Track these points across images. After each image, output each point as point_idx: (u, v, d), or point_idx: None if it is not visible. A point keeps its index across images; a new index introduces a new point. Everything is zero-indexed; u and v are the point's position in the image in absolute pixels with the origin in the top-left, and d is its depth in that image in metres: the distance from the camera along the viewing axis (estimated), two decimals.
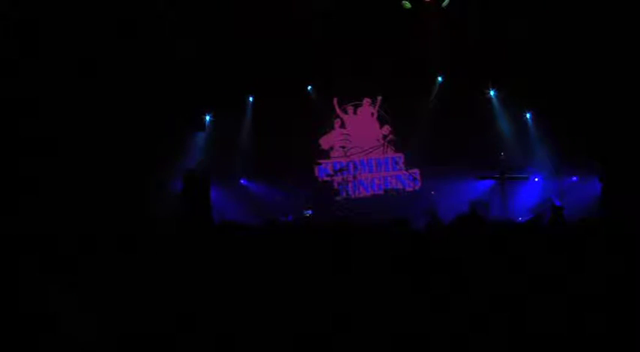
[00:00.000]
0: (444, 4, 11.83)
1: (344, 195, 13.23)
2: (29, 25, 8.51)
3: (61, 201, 8.22)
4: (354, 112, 13.74)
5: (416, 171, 13.20)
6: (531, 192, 11.95)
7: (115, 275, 3.65)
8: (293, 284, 3.61)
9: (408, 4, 11.97)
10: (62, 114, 9.02)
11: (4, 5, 8.41)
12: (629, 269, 3.46)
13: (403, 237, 4.46)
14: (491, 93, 12.75)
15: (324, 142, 13.70)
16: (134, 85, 10.22)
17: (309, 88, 13.57)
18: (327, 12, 11.82)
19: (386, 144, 13.55)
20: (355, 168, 13.34)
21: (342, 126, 13.70)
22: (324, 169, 13.52)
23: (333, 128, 13.69)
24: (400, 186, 13.34)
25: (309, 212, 11.86)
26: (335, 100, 13.64)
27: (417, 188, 13.08)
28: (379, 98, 13.56)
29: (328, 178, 13.32)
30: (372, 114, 13.66)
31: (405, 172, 13.27)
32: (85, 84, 9.39)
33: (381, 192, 13.42)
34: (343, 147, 13.52)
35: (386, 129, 13.58)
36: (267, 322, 3.44)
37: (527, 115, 12.57)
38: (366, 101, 13.67)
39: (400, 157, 13.47)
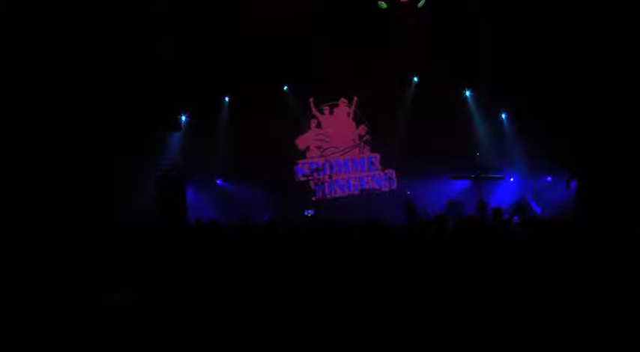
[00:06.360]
0: (421, 4, 11.84)
1: (320, 195, 13.21)
2: None
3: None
4: (331, 112, 13.72)
5: (392, 171, 13.22)
6: (507, 191, 12.03)
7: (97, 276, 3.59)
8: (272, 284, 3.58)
9: (384, 4, 11.97)
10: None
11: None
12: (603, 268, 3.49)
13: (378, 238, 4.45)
14: (467, 93, 12.82)
15: (301, 142, 13.66)
16: (111, 83, 10.07)
17: (286, 88, 13.53)
18: (311, 12, 11.76)
19: (362, 144, 13.55)
20: (331, 168, 13.32)
21: (319, 126, 13.67)
22: (300, 169, 13.48)
23: (309, 128, 13.66)
24: (376, 186, 13.36)
25: (311, 212, 11.84)
26: (311, 100, 13.61)
27: (393, 188, 13.10)
28: (355, 98, 13.56)
29: (304, 178, 13.28)
30: (349, 114, 13.65)
31: (381, 172, 13.28)
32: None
33: (357, 192, 13.42)
34: (319, 148, 13.50)
35: (362, 129, 13.58)
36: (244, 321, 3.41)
37: (503, 115, 12.65)
38: (342, 101, 13.67)
39: (376, 157, 13.48)
